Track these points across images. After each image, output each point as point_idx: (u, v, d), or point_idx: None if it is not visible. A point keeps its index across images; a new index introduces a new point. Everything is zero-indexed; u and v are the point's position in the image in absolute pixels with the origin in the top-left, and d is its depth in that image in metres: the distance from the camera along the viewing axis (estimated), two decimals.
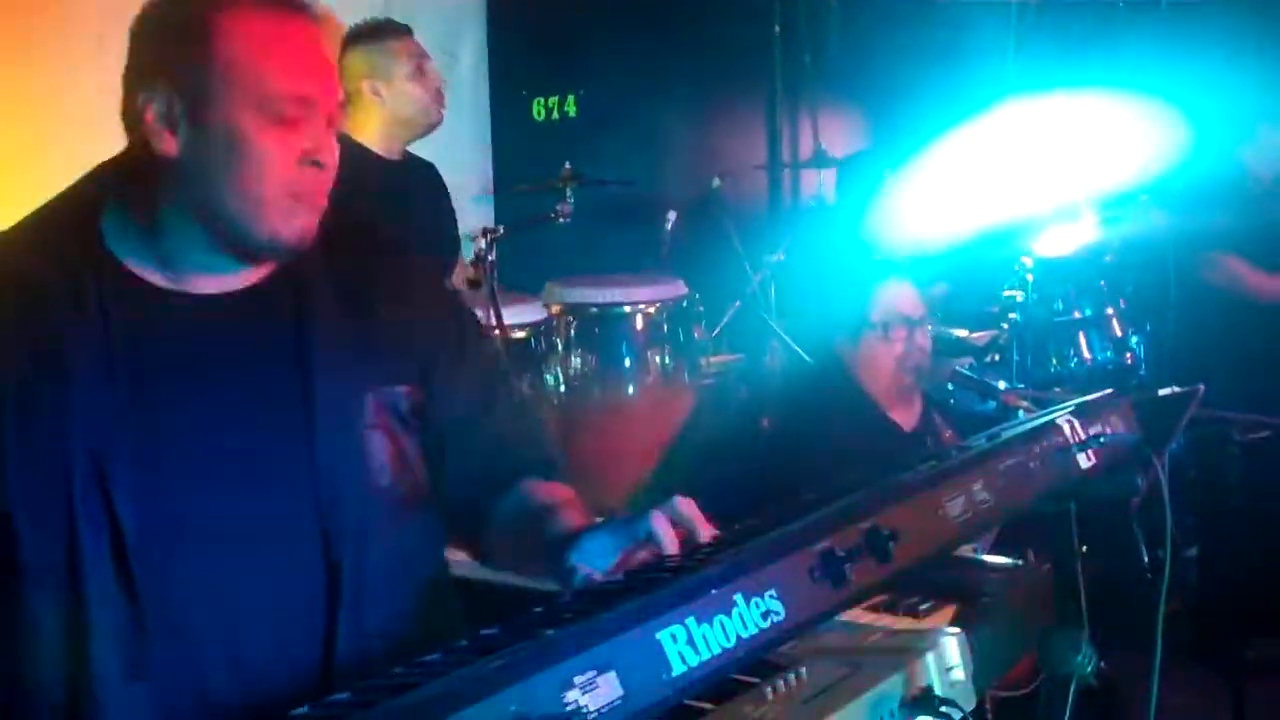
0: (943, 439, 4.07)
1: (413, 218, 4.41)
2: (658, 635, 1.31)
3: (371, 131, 4.43)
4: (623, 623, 1.29)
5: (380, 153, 4.45)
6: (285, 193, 1.89)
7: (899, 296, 4.08)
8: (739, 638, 1.38)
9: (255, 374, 1.94)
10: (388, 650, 1.91)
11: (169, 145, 1.87)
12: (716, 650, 1.35)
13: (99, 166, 2.01)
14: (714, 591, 1.37)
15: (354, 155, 4.36)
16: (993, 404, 4.39)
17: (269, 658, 1.89)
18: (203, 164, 1.87)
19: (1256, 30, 6.08)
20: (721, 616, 1.37)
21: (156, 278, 1.93)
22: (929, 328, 4.13)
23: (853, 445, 3.82)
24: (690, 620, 1.34)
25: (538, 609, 1.44)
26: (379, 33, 4.47)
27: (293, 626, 1.91)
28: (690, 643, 1.33)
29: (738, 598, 1.39)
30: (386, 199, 4.34)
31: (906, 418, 4.06)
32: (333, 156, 1.94)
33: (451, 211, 4.73)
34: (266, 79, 1.86)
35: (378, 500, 1.97)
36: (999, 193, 5.72)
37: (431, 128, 4.55)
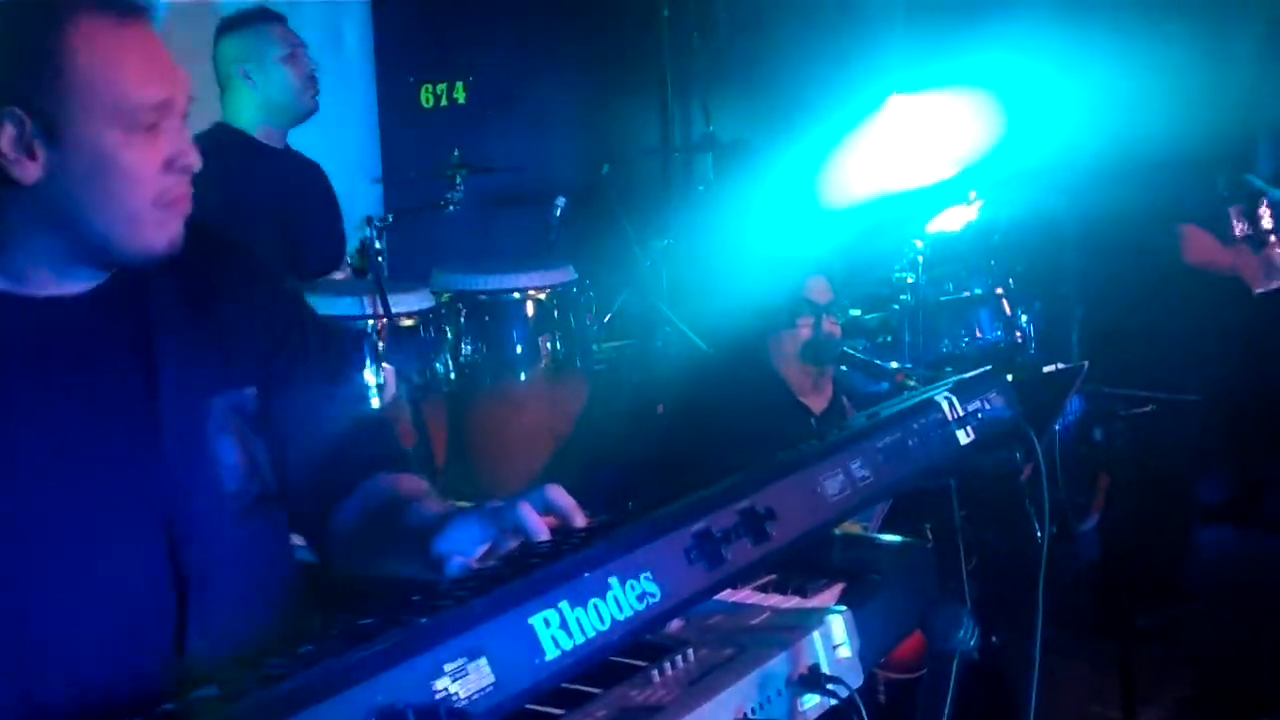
0: None
1: (292, 205, 4.39)
2: (530, 620, 1.30)
3: (247, 118, 4.47)
4: (494, 608, 1.28)
5: (260, 139, 4.46)
6: (156, 203, 1.85)
7: (807, 284, 4.11)
8: (614, 620, 1.37)
9: (99, 377, 1.89)
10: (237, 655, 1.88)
11: (28, 171, 1.81)
12: (591, 634, 1.35)
13: None
14: (587, 575, 1.36)
15: (234, 141, 4.41)
16: (885, 384, 4.42)
17: (111, 666, 1.84)
18: (67, 186, 1.82)
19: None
20: (596, 600, 1.36)
21: None
22: (835, 314, 4.16)
23: (764, 428, 3.84)
24: (564, 604, 1.33)
25: (414, 596, 1.43)
26: (251, 18, 4.52)
27: (138, 634, 1.86)
28: (564, 627, 1.32)
29: (612, 580, 1.39)
30: (266, 185, 4.35)
31: (817, 402, 4.10)
32: (196, 158, 1.89)
33: (337, 212, 4.74)
34: (123, 89, 1.81)
35: (226, 505, 1.94)
36: (889, 173, 5.76)
37: (305, 114, 4.57)
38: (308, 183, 4.65)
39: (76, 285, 1.91)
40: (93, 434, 1.87)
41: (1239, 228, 5.36)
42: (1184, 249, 5.05)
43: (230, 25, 4.51)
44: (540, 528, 1.68)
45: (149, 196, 1.84)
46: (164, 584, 1.88)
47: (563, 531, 1.68)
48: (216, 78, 4.50)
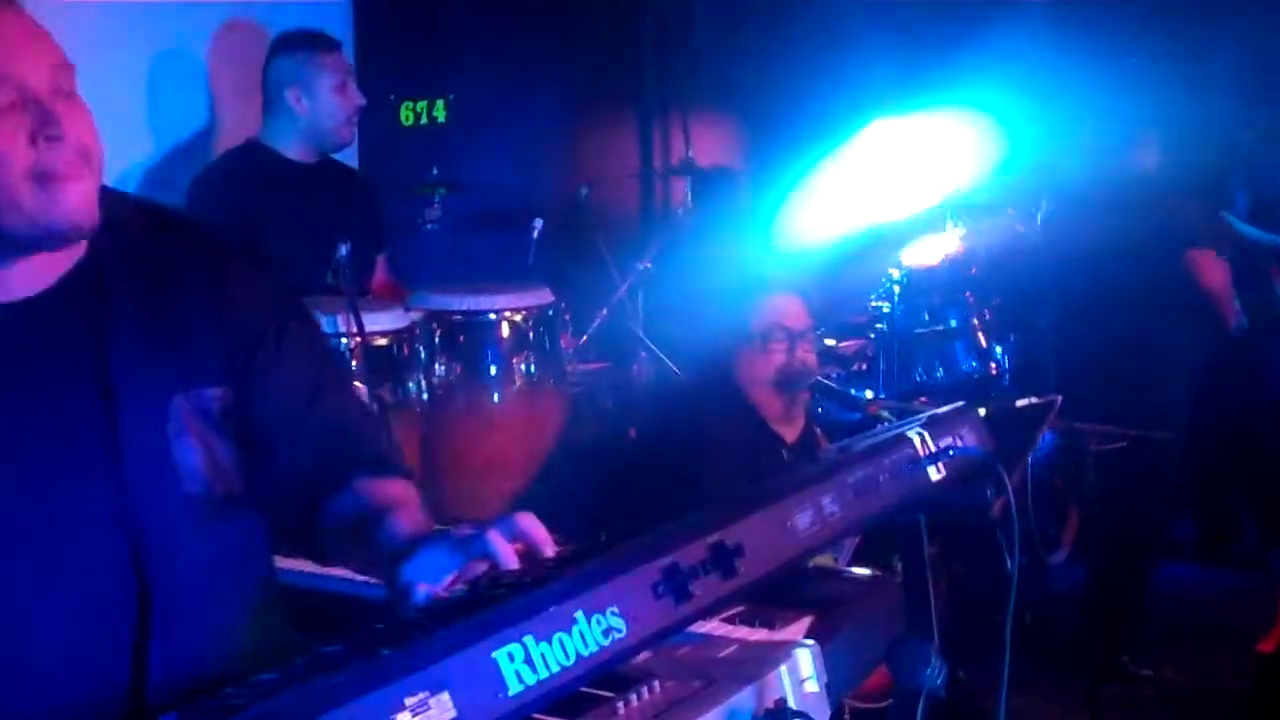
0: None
1: (327, 220, 4.36)
2: (494, 654, 1.28)
3: (287, 139, 4.45)
4: (458, 642, 1.27)
5: (294, 158, 4.45)
6: (29, 177, 1.80)
7: (781, 308, 4.07)
8: (579, 655, 1.36)
9: (51, 384, 1.87)
10: (205, 667, 1.85)
11: None
12: (555, 669, 1.33)
13: None
14: (553, 608, 1.35)
15: (262, 160, 4.41)
16: (858, 414, 4.41)
17: (73, 682, 1.81)
18: None
19: (1130, 29, 6.19)
20: (561, 634, 1.35)
21: None
22: (812, 341, 4.13)
23: (735, 456, 3.82)
24: (529, 639, 1.32)
25: (379, 625, 1.42)
26: (308, 42, 4.47)
27: (100, 647, 1.84)
28: (528, 661, 1.31)
29: (578, 615, 1.38)
30: (298, 201, 4.34)
31: (789, 431, 4.06)
32: (72, 126, 1.83)
33: (374, 212, 4.72)
34: None
35: (189, 509, 1.90)
36: (868, 203, 5.77)
37: (341, 145, 4.56)
38: (341, 194, 4.61)
39: (20, 287, 1.89)
40: (47, 438, 1.85)
41: None
42: (1199, 274, 5.07)
43: (287, 45, 4.46)
44: (509, 557, 1.66)
45: (20, 174, 1.80)
46: (126, 588, 1.85)
47: (531, 562, 1.66)
48: (263, 90, 4.45)
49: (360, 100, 4.51)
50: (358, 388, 3.83)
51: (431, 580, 1.70)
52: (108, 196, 1.93)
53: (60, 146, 1.81)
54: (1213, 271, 5.11)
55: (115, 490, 1.85)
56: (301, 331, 2.10)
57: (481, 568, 1.69)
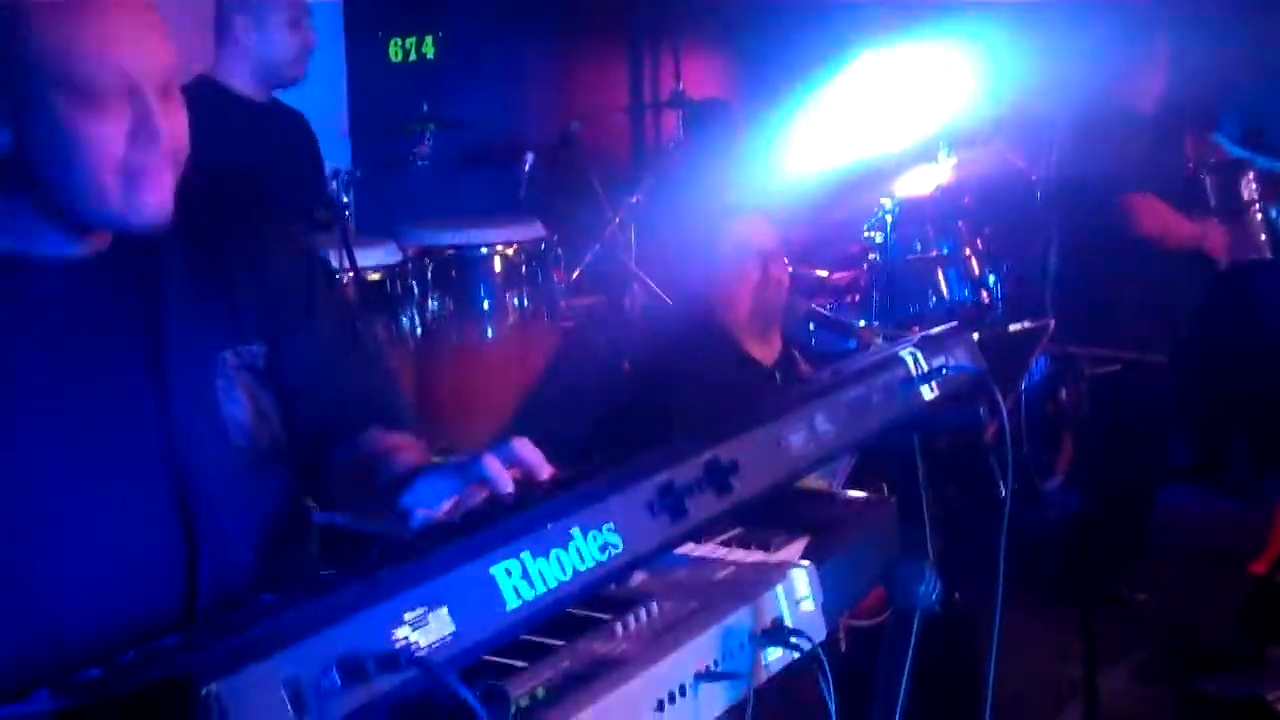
0: (800, 376, 4.08)
1: (275, 161, 4.32)
2: (491, 570, 1.30)
3: (234, 72, 4.35)
4: (455, 558, 1.28)
5: (245, 94, 4.36)
6: (120, 173, 1.79)
7: (750, 228, 4.07)
8: (576, 571, 1.37)
9: (102, 340, 1.88)
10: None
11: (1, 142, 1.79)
12: (553, 584, 1.35)
13: None
14: (550, 525, 1.36)
15: (212, 97, 4.34)
16: (853, 342, 4.42)
17: (125, 621, 1.83)
18: (35, 155, 1.79)
19: None
20: (558, 550, 1.36)
21: None
22: (783, 261, 4.12)
23: (712, 381, 3.81)
24: (525, 554, 1.33)
25: (376, 547, 1.43)
26: None
27: (150, 594, 1.86)
28: (525, 577, 1.32)
29: (574, 531, 1.39)
30: (248, 140, 4.26)
31: (766, 353, 4.05)
32: (171, 122, 1.83)
33: (318, 162, 4.64)
34: (74, 61, 1.75)
35: (235, 460, 1.93)
36: (861, 134, 5.77)
37: (292, 82, 4.47)
38: (288, 136, 4.54)
39: (84, 246, 1.89)
40: (99, 391, 1.86)
41: (1214, 197, 5.36)
42: (1135, 220, 5.03)
43: None
44: (505, 480, 1.67)
45: (110, 167, 1.79)
46: (174, 536, 1.88)
47: (528, 484, 1.68)
48: (215, 22, 4.35)
49: (314, 40, 4.41)
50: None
51: (429, 506, 1.72)
52: None
53: (154, 148, 1.81)
54: (1148, 216, 5.04)
55: (164, 443, 1.87)
56: (328, 295, 2.13)
57: (480, 495, 1.70)
